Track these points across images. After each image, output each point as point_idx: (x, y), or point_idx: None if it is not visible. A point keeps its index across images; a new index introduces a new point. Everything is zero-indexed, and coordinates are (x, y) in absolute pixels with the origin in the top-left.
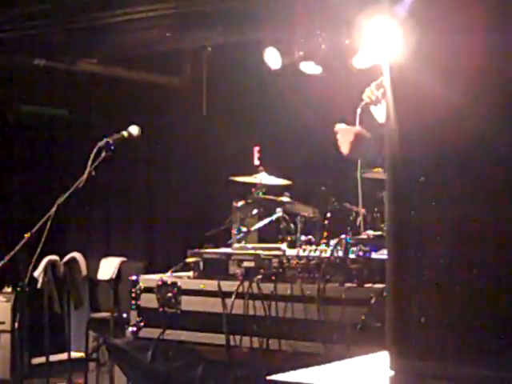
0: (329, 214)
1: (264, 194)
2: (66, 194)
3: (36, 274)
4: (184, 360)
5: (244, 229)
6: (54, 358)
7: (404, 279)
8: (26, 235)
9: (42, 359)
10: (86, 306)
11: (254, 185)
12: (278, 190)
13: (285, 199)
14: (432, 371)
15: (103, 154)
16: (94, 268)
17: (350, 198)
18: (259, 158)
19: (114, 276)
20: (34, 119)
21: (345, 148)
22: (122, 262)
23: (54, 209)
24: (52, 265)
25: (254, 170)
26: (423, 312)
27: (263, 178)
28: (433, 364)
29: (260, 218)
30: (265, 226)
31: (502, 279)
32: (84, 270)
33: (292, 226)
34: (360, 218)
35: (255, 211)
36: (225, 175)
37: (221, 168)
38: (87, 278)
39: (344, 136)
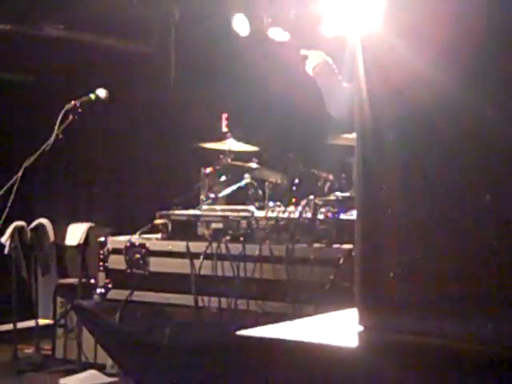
0: (297, 181)
1: (232, 160)
2: (33, 157)
3: (3, 239)
4: (152, 321)
5: (212, 195)
6: (21, 324)
7: (373, 236)
8: None
9: (10, 326)
10: (53, 272)
11: (222, 151)
12: (246, 157)
13: (253, 166)
14: (400, 326)
15: (70, 117)
16: (61, 234)
17: (317, 165)
18: (227, 126)
19: (81, 242)
20: None
21: (312, 71)
22: (90, 228)
23: (20, 172)
24: (19, 231)
25: (222, 137)
26: (392, 267)
27: (231, 144)
28: (401, 319)
29: (228, 184)
30: (233, 192)
31: (467, 232)
32: (51, 236)
33: (260, 192)
34: (328, 185)
35: (223, 178)
36: (193, 142)
37: (189, 134)
38: (54, 244)
39: (312, 59)
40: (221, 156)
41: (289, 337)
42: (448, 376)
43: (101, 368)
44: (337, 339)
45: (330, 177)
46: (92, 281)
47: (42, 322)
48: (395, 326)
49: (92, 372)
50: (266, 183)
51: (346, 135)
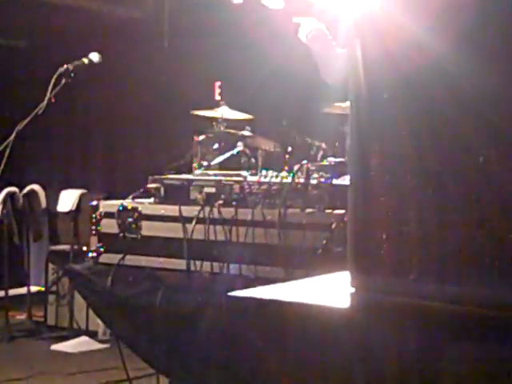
0: (290, 149)
1: (225, 128)
2: (26, 121)
3: None
4: (144, 285)
5: (205, 163)
6: (13, 291)
7: (366, 199)
8: None
9: (1, 293)
10: (45, 238)
11: (215, 119)
12: (239, 125)
13: (246, 133)
14: (393, 287)
15: (63, 81)
16: (53, 200)
17: (311, 133)
18: (220, 94)
19: (73, 208)
20: None
21: (305, 38)
22: (82, 194)
23: (13, 136)
24: (11, 196)
25: (215, 105)
26: (384, 229)
27: (224, 112)
28: (394, 280)
29: (221, 152)
30: (226, 160)
31: (459, 195)
32: (43, 202)
33: (253, 160)
34: (321, 153)
35: (216, 145)
36: (186, 109)
37: (182, 101)
38: (47, 211)
39: (305, 26)
40: (214, 124)
41: (281, 297)
42: (438, 336)
43: (92, 335)
44: (329, 300)
45: (323, 145)
46: (84, 248)
47: (33, 288)
48: (387, 287)
49: (84, 338)
50: (259, 151)
51: (339, 104)
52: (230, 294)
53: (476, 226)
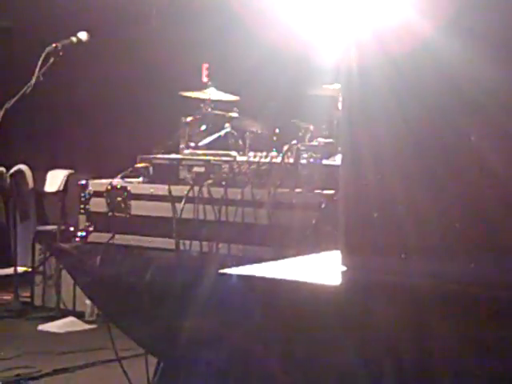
0: (277, 130)
1: (212, 109)
2: (14, 99)
3: None
4: (133, 265)
5: (192, 144)
6: None
7: (357, 178)
8: None
9: None
10: (32, 218)
11: (202, 100)
12: (226, 106)
13: (233, 115)
14: (384, 266)
15: (51, 60)
16: (40, 180)
17: (298, 115)
18: (207, 76)
19: (61, 188)
20: None
21: None
22: (70, 174)
23: (1, 113)
24: None
25: (202, 86)
26: (376, 207)
27: (212, 93)
28: (385, 259)
29: (208, 133)
30: (213, 141)
31: (450, 173)
32: (30, 183)
33: (240, 141)
34: (308, 135)
35: (204, 127)
36: (174, 90)
37: (169, 83)
38: (34, 191)
39: None
40: (201, 105)
41: (271, 275)
42: (429, 313)
43: (80, 315)
44: (320, 278)
45: (311, 127)
46: (71, 228)
47: (20, 269)
48: (377, 265)
49: (71, 319)
50: (247, 133)
51: (327, 86)
52: (220, 271)
53: (465, 205)
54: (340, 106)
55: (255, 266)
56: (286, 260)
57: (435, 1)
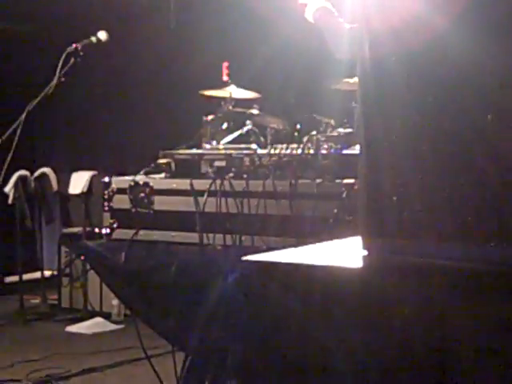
0: (298, 126)
1: (233, 107)
2: (36, 100)
3: (7, 189)
4: (157, 260)
5: (214, 142)
6: (27, 276)
7: (376, 166)
8: None
9: (15, 278)
10: (57, 221)
11: (223, 98)
12: (247, 103)
13: (254, 112)
14: (404, 249)
15: (72, 60)
16: (64, 182)
17: (319, 110)
18: (228, 74)
19: (84, 190)
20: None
21: (312, 17)
22: (93, 176)
23: (23, 115)
24: (22, 180)
25: (223, 84)
26: (395, 191)
27: (232, 91)
28: (405, 242)
29: (230, 131)
30: (234, 139)
31: (467, 158)
32: (55, 186)
33: (262, 138)
34: (329, 130)
35: (225, 125)
36: (194, 89)
37: (190, 82)
38: (58, 193)
39: (311, 5)
40: (222, 103)
41: (294, 260)
42: (448, 294)
43: (106, 316)
44: (341, 262)
45: (332, 122)
46: (96, 229)
47: (47, 273)
48: (398, 248)
49: (98, 320)
50: (268, 129)
51: (347, 80)
52: (243, 258)
53: (478, 192)
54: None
55: (277, 252)
56: (307, 246)
57: None
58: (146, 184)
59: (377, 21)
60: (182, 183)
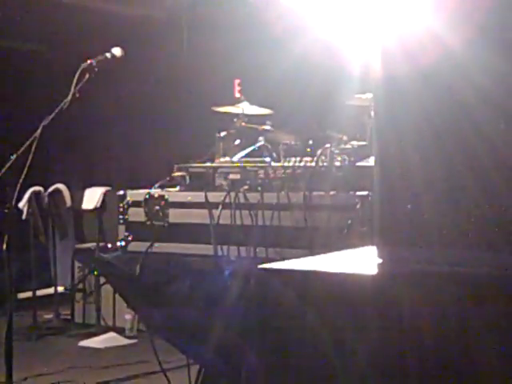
0: (310, 142)
1: (246, 123)
2: (51, 116)
3: (20, 205)
4: (172, 272)
5: (227, 159)
6: (40, 292)
7: (391, 176)
8: (12, 157)
9: (29, 294)
10: (70, 236)
11: (235, 115)
12: (259, 120)
13: (267, 128)
14: (419, 256)
15: (87, 76)
16: (78, 198)
17: (331, 126)
18: (240, 91)
19: (98, 205)
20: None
21: None
22: (107, 192)
23: (39, 130)
24: (36, 196)
25: (235, 101)
26: (409, 199)
27: (245, 107)
28: (419, 249)
29: (242, 147)
30: (247, 155)
31: (471, 175)
32: (68, 201)
33: (274, 154)
34: (342, 145)
35: (238, 141)
36: (207, 105)
37: (202, 98)
38: (72, 209)
39: None
40: (234, 119)
41: (310, 267)
42: (462, 301)
43: (120, 331)
44: (356, 269)
45: (344, 137)
46: (109, 245)
47: (60, 289)
48: (412, 256)
49: (111, 334)
50: (280, 145)
51: (359, 95)
52: (260, 266)
53: (491, 199)
54: (372, 113)
55: (292, 261)
56: (321, 255)
57: (461, 12)
58: (160, 197)
59: (390, 39)
60: (197, 196)
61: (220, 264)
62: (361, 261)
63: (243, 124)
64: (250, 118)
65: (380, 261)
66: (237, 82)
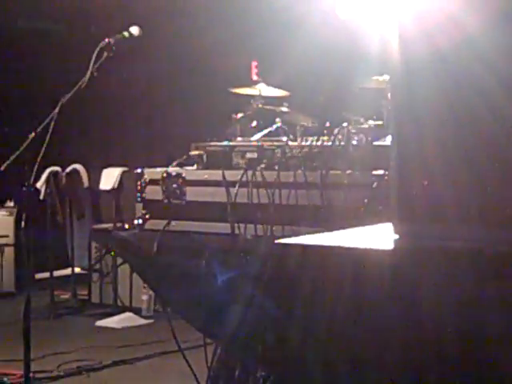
0: (328, 124)
1: (263, 105)
2: (69, 94)
3: (38, 185)
4: (189, 250)
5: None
6: (57, 273)
7: (407, 147)
8: (30, 135)
9: (46, 274)
10: (88, 217)
11: (252, 96)
12: (276, 101)
13: (284, 109)
14: (435, 232)
15: (105, 55)
16: (95, 179)
17: (348, 108)
18: (257, 74)
19: (115, 186)
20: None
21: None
22: (124, 172)
23: (57, 109)
24: (54, 176)
25: (252, 82)
26: (426, 175)
27: (262, 89)
28: (436, 225)
29: (259, 129)
30: (264, 136)
31: (487, 156)
32: (86, 182)
33: (291, 136)
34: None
35: (254, 123)
36: (224, 87)
37: (220, 79)
38: (89, 190)
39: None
40: (251, 101)
41: (328, 243)
42: (477, 276)
43: (136, 311)
44: (373, 245)
45: (361, 119)
46: (126, 225)
47: (77, 269)
48: (428, 232)
49: (128, 314)
50: (297, 127)
51: (376, 77)
52: (277, 241)
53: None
54: (389, 95)
55: (309, 236)
56: (338, 232)
57: None
58: (178, 175)
59: (408, 21)
60: (214, 174)
61: (237, 242)
62: (377, 237)
63: (260, 106)
64: (267, 100)
65: (397, 236)
66: (254, 64)
